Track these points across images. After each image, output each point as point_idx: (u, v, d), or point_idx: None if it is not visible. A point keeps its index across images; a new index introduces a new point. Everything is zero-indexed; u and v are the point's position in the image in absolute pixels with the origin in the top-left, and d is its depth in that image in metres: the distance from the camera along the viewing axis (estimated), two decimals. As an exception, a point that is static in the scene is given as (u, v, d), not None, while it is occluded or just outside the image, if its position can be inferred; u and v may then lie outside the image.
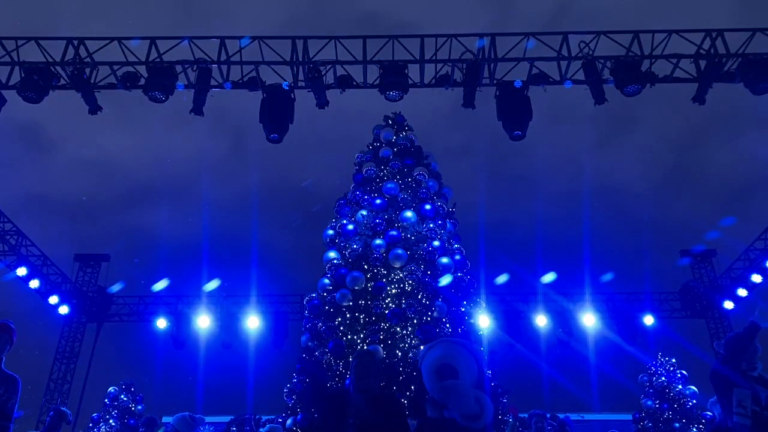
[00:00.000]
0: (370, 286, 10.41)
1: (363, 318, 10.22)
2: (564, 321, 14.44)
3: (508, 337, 12.97)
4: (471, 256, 11.94)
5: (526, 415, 10.84)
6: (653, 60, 8.69)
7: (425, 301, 10.18)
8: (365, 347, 9.78)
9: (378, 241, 10.72)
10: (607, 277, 17.32)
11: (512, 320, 13.53)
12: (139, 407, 17.79)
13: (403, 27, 31.76)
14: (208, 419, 9.22)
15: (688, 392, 16.75)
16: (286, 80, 8.86)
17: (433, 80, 9.06)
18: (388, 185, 11.49)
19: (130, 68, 8.76)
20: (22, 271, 14.20)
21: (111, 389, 17.86)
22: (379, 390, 3.88)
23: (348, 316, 10.27)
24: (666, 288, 16.84)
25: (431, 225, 11.14)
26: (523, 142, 8.84)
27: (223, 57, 8.75)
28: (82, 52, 8.67)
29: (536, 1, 34.51)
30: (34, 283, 14.55)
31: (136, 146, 33.90)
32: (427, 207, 11.28)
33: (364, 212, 11.36)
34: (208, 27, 30.44)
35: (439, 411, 3.52)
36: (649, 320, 14.91)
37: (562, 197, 32.57)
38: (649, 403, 16.72)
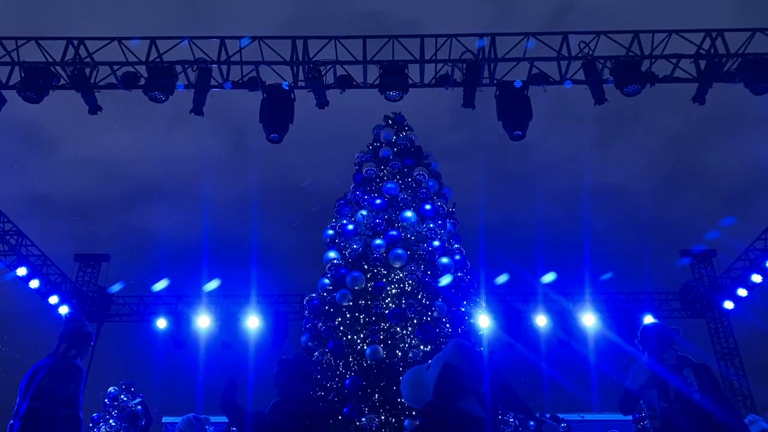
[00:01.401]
0: (370, 286, 10.42)
1: (363, 318, 10.22)
2: (564, 321, 14.44)
3: (508, 337, 12.97)
4: (471, 256, 11.94)
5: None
6: (653, 60, 8.69)
7: (425, 301, 10.19)
8: (364, 347, 9.79)
9: (378, 241, 10.73)
10: (607, 277, 17.32)
11: (512, 320, 13.53)
12: (139, 407, 17.76)
13: (404, 26, 31.79)
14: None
15: (688, 392, 16.73)
16: (286, 80, 8.86)
17: (433, 80, 9.06)
18: (388, 185, 11.50)
19: (130, 68, 8.75)
20: (22, 271, 14.19)
21: (111, 389, 17.84)
22: (287, 396, 4.10)
23: (348, 316, 10.28)
24: (666, 288, 16.84)
25: (431, 225, 11.14)
26: (523, 141, 8.84)
27: (223, 57, 8.75)
28: (82, 52, 8.67)
29: (536, 1, 34.53)
30: (34, 283, 14.55)
31: (136, 146, 33.91)
32: (427, 207, 11.28)
33: (364, 212, 11.36)
34: (208, 27, 30.42)
35: None
36: (649, 320, 14.91)
37: (562, 197, 32.57)
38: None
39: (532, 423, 10.90)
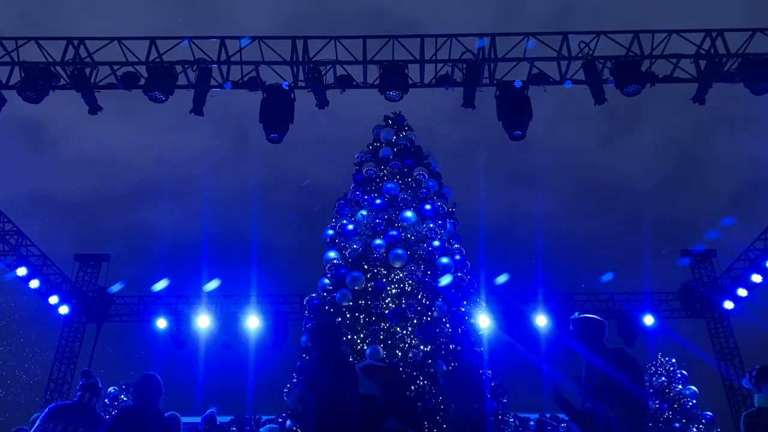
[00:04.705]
0: (370, 286, 10.42)
1: (363, 318, 10.22)
2: (563, 321, 14.43)
3: (508, 337, 12.97)
4: (471, 256, 11.94)
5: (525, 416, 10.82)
6: (653, 60, 8.68)
7: (425, 301, 10.19)
8: (364, 347, 9.79)
9: (378, 241, 10.73)
10: (607, 276, 17.32)
11: (512, 320, 13.53)
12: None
13: (406, 24, 31.78)
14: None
15: (688, 392, 16.72)
16: (286, 80, 8.86)
17: (433, 80, 9.05)
18: (388, 185, 11.50)
19: (130, 68, 8.75)
20: (22, 271, 14.19)
21: (111, 389, 17.83)
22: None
23: (348, 316, 10.27)
24: (666, 288, 16.83)
25: (431, 225, 11.14)
26: (523, 141, 8.85)
27: (223, 57, 8.74)
28: (82, 52, 8.66)
29: (536, 1, 34.53)
30: (34, 283, 14.54)
31: (137, 145, 33.90)
32: (427, 207, 11.28)
33: (364, 212, 11.37)
34: (208, 27, 30.41)
35: None
36: (649, 320, 14.92)
37: (562, 196, 32.60)
38: (649, 403, 16.69)
39: (532, 423, 10.91)
